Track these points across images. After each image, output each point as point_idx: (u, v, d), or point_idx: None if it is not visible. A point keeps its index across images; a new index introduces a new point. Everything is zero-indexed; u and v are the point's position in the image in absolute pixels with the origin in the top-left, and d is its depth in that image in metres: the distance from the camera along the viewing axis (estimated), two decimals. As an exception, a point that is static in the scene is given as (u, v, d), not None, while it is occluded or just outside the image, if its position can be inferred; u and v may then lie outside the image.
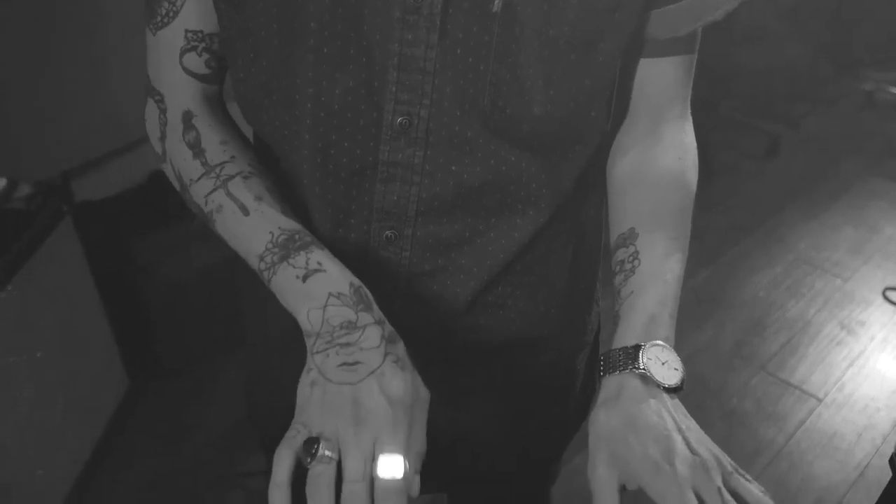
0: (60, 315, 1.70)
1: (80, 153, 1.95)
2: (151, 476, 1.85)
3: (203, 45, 0.70)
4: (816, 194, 3.19)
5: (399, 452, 0.55)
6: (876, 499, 1.91)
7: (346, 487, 0.54)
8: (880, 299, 2.61)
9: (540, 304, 0.79)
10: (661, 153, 0.74)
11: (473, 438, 0.85)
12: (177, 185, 0.73)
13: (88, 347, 1.84)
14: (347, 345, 0.59)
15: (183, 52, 0.70)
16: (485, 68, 0.63)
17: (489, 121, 0.65)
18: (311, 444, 0.56)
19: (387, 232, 0.70)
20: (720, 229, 2.93)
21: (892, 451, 2.02)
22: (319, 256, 0.64)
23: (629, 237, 0.72)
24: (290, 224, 0.66)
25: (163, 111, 0.72)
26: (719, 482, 0.57)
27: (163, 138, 0.73)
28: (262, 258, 0.65)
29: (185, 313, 2.03)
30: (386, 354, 0.59)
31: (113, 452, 1.87)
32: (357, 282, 0.63)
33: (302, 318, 0.62)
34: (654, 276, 0.69)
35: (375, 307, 0.62)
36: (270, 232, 0.65)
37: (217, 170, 0.69)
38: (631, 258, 0.71)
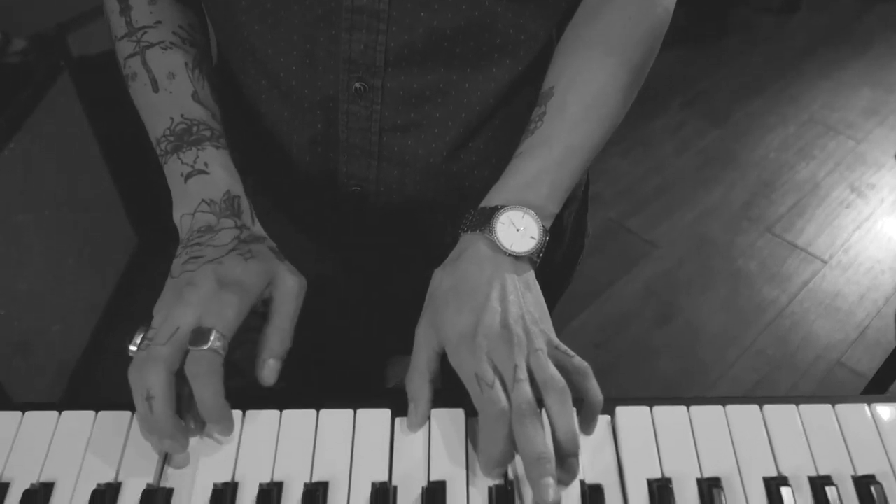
0: (65, 173, 1.68)
1: (73, 5, 1.87)
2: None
3: None
4: (835, 52, 3.08)
5: (212, 324, 0.55)
6: (874, 357, 1.96)
7: (146, 349, 0.55)
8: (892, 161, 2.57)
9: None
10: (607, 13, 0.68)
11: None
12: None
13: (95, 205, 1.83)
14: (198, 244, 0.60)
15: None
16: None
17: None
18: (137, 333, 0.57)
19: (356, 84, 0.67)
20: (732, 88, 2.85)
21: (893, 311, 2.06)
22: (209, 156, 0.64)
23: (545, 96, 0.68)
24: (195, 112, 0.65)
25: None
26: (518, 359, 0.55)
27: None
28: (158, 143, 0.65)
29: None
30: (232, 250, 0.59)
31: (125, 309, 1.90)
32: (236, 190, 0.63)
33: (175, 221, 0.63)
34: (549, 140, 0.65)
35: (246, 216, 0.63)
36: (171, 117, 0.65)
37: (139, 34, 0.67)
38: (537, 118, 0.67)
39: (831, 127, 2.71)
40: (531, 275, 0.62)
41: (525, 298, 0.60)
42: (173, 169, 0.64)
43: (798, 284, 2.15)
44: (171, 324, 0.55)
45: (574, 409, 0.55)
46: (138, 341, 0.57)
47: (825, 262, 2.21)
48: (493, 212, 0.62)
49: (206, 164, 0.64)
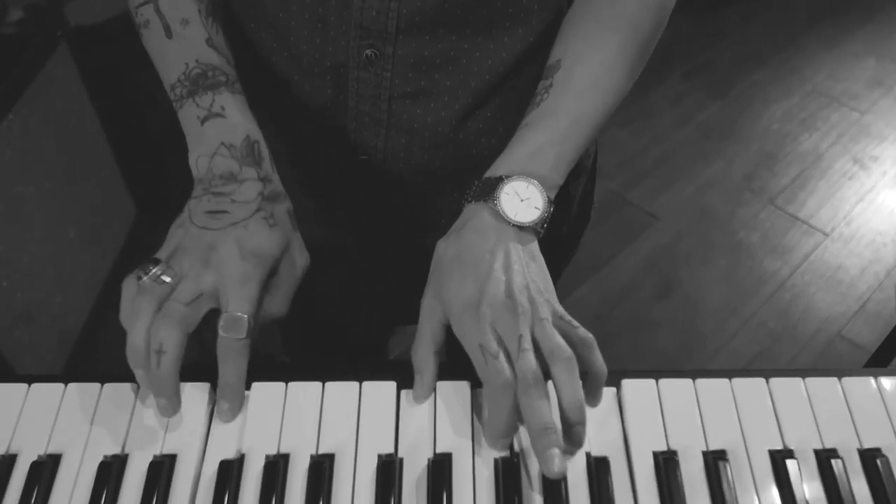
0: (64, 144, 1.67)
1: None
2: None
3: None
4: (839, 22, 3.05)
5: (244, 310, 0.56)
6: (875, 329, 1.96)
7: (167, 305, 0.56)
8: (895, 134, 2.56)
9: None
10: None
11: None
12: None
13: (94, 177, 1.82)
14: (221, 194, 0.60)
15: None
16: None
17: None
18: (151, 264, 0.57)
19: (367, 51, 0.66)
20: (734, 59, 2.83)
21: (894, 284, 2.06)
22: (225, 100, 0.63)
23: (552, 69, 0.67)
24: (209, 57, 0.65)
25: None
26: (523, 329, 0.55)
27: None
28: (172, 88, 0.65)
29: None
30: (257, 210, 0.60)
31: (127, 281, 1.90)
32: (255, 135, 0.63)
33: (191, 163, 0.63)
34: (555, 112, 0.65)
35: (267, 165, 0.63)
36: (186, 63, 0.64)
37: None
38: (543, 90, 0.67)
39: (835, 98, 2.69)
40: (535, 245, 0.62)
41: (529, 268, 0.59)
42: (188, 112, 0.64)
43: (799, 257, 2.15)
44: (196, 287, 0.56)
45: (580, 379, 0.55)
46: (151, 273, 0.57)
47: (827, 235, 2.21)
48: (497, 182, 0.62)
49: (222, 108, 0.63)
